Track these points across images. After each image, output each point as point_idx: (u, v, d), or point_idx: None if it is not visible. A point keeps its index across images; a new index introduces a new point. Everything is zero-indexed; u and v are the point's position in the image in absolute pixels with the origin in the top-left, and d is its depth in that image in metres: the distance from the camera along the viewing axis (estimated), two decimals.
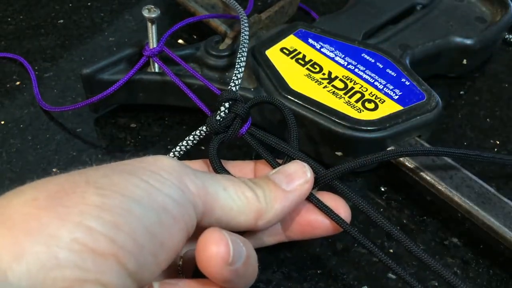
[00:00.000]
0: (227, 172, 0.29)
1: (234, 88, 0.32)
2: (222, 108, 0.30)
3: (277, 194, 0.27)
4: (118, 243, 0.20)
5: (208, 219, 0.24)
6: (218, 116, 0.31)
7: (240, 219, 0.25)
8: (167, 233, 0.22)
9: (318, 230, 0.29)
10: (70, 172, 0.22)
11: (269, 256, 0.31)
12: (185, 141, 0.32)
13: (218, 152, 0.30)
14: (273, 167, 0.30)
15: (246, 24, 0.36)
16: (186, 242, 0.24)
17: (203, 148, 0.37)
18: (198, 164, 0.31)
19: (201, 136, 0.32)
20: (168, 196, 0.22)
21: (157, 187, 0.22)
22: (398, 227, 0.28)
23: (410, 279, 0.26)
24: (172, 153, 0.32)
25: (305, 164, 0.28)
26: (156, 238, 0.21)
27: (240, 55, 0.34)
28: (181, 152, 0.32)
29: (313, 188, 0.28)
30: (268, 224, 0.26)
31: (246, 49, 0.35)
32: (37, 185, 0.21)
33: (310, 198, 0.28)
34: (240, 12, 0.38)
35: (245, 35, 0.36)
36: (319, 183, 0.29)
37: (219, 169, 0.29)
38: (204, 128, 0.31)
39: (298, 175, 0.28)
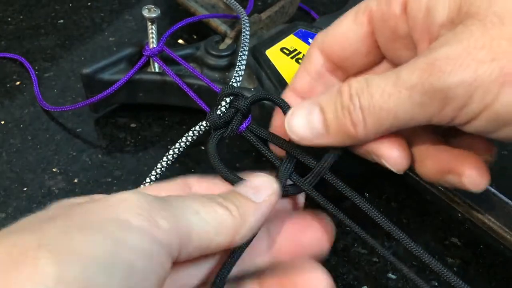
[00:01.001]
0: (226, 169, 0.29)
1: (235, 84, 0.32)
2: (223, 103, 0.30)
3: (248, 207, 0.25)
4: None
5: (186, 249, 0.22)
6: (218, 110, 0.30)
7: (219, 240, 0.24)
8: None
9: (311, 250, 0.28)
10: (21, 227, 0.19)
11: None
12: (184, 137, 0.32)
13: (217, 148, 0.30)
14: (275, 164, 0.30)
15: (247, 22, 0.36)
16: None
17: (203, 148, 0.37)
18: (174, 186, 0.28)
19: (200, 132, 0.31)
20: (134, 252, 0.19)
21: (122, 240, 0.19)
22: (397, 227, 0.28)
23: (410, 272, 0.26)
24: (172, 150, 0.32)
25: (270, 176, 0.28)
26: None
27: (242, 53, 0.34)
28: (180, 149, 0.32)
29: (313, 182, 0.28)
30: (244, 239, 0.25)
31: (248, 47, 0.35)
32: None
33: (325, 206, 0.28)
34: (240, 11, 0.38)
35: (246, 33, 0.36)
36: (317, 179, 0.29)
37: (218, 166, 0.29)
38: (204, 123, 0.31)
39: (265, 187, 0.27)
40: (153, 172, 0.31)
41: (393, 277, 0.31)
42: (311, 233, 0.28)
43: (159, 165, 0.31)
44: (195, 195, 0.25)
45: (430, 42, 0.24)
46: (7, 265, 0.17)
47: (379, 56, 0.29)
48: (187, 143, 0.32)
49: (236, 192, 0.26)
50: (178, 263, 0.23)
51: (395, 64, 0.28)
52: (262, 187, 0.27)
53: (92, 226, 0.19)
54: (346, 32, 0.28)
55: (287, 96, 0.30)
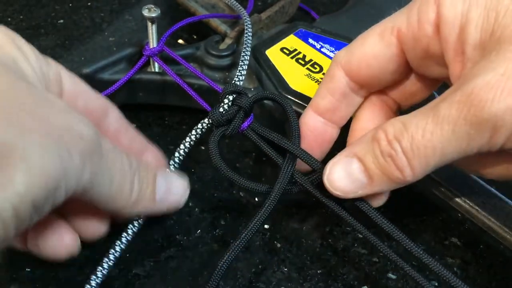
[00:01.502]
0: (226, 167, 0.29)
1: (238, 83, 0.32)
2: (226, 101, 0.30)
3: (146, 198, 0.27)
4: None
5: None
6: (221, 108, 0.30)
7: (104, 205, 0.25)
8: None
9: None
10: None
11: (269, 256, 0.31)
12: (188, 137, 0.31)
13: (219, 145, 0.30)
14: (277, 163, 0.30)
15: (248, 22, 0.37)
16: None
17: (203, 148, 0.37)
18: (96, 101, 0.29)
19: (203, 130, 0.31)
20: None
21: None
22: (397, 228, 0.28)
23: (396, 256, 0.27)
24: (177, 152, 0.31)
25: (187, 187, 0.29)
26: None
27: (244, 53, 0.34)
28: (185, 149, 0.31)
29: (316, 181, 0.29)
30: (124, 217, 0.27)
31: (250, 46, 0.35)
32: None
33: (328, 204, 0.29)
34: (241, 11, 0.38)
35: (248, 32, 0.36)
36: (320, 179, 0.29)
37: (219, 163, 0.29)
38: (206, 120, 0.31)
39: (176, 192, 0.29)
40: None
41: (393, 277, 0.31)
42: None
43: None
44: (126, 161, 0.25)
45: (462, 63, 0.24)
46: None
47: (406, 72, 0.29)
48: (191, 142, 0.31)
49: (155, 177, 0.27)
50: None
51: (426, 77, 0.29)
52: (174, 191, 0.29)
53: None
54: (373, 52, 0.28)
55: (309, 115, 0.30)
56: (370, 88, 0.30)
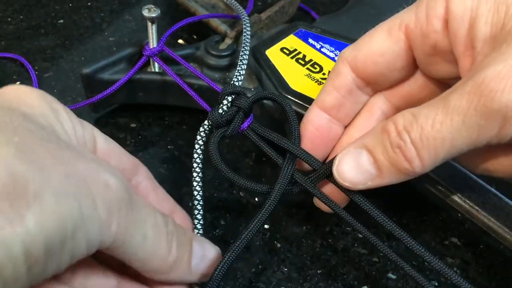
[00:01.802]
0: (226, 168, 0.29)
1: (237, 83, 0.32)
2: (225, 102, 0.30)
3: (183, 265, 0.25)
4: None
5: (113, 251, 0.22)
6: (220, 109, 0.30)
7: (140, 265, 0.23)
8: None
9: None
10: None
11: (269, 256, 0.31)
12: (196, 145, 0.30)
13: (219, 147, 0.30)
14: (277, 163, 0.30)
15: (247, 22, 0.37)
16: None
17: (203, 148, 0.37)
18: (125, 160, 0.28)
19: (206, 132, 0.31)
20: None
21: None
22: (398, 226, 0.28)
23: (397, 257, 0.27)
24: (194, 163, 0.30)
25: (219, 252, 0.27)
26: None
27: (243, 53, 0.34)
28: (200, 156, 0.30)
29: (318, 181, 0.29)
30: (159, 280, 0.25)
31: (249, 46, 0.35)
32: None
33: (329, 204, 0.28)
34: (241, 11, 0.38)
35: (247, 32, 0.36)
36: (320, 179, 0.29)
37: (219, 165, 0.29)
38: (206, 122, 0.31)
39: (205, 267, 0.26)
40: (195, 193, 0.30)
41: (393, 277, 0.31)
42: None
43: (194, 183, 0.30)
44: (158, 216, 0.24)
45: (472, 57, 0.24)
46: None
47: (413, 70, 0.28)
48: (202, 147, 0.31)
49: (191, 242, 0.26)
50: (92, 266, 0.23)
51: (432, 76, 0.28)
52: (208, 262, 0.26)
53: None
54: (380, 48, 0.27)
55: (314, 112, 0.30)
56: (376, 86, 0.29)
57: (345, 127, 0.31)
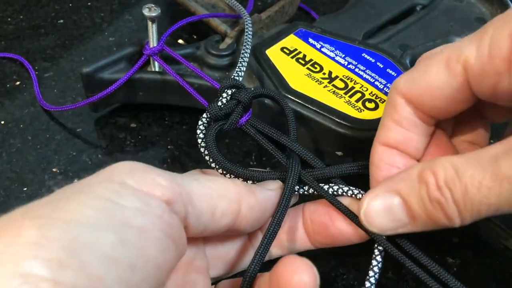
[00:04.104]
0: (224, 159, 0.29)
1: (237, 78, 0.32)
2: (224, 95, 0.30)
3: (257, 187, 0.26)
4: (65, 284, 0.16)
5: (193, 214, 0.22)
6: (219, 102, 0.30)
7: (223, 205, 0.24)
8: (137, 251, 0.18)
9: (340, 239, 0.28)
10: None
11: None
12: (199, 139, 0.30)
13: (216, 140, 0.29)
14: (278, 159, 0.29)
15: (249, 20, 0.37)
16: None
17: None
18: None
19: (205, 125, 0.30)
20: (128, 208, 0.19)
21: (115, 200, 0.19)
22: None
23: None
24: (207, 157, 0.29)
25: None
26: (122, 261, 0.18)
27: (244, 50, 0.34)
28: (205, 151, 0.30)
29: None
30: (252, 213, 0.25)
31: (250, 43, 0.35)
32: None
33: (335, 203, 0.28)
34: (241, 10, 0.38)
35: (249, 31, 0.36)
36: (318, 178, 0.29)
37: (216, 157, 0.28)
38: (204, 115, 0.30)
39: (272, 182, 0.28)
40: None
41: (393, 277, 0.31)
42: (337, 222, 0.28)
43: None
44: (201, 170, 0.26)
45: None
46: None
47: (476, 101, 0.25)
48: (201, 143, 0.31)
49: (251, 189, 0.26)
50: (195, 240, 0.24)
51: (503, 104, 0.25)
52: (270, 182, 0.28)
53: (82, 190, 0.19)
54: (438, 82, 0.25)
55: (379, 151, 0.27)
56: (437, 117, 0.27)
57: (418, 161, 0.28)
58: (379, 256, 0.27)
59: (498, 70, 0.22)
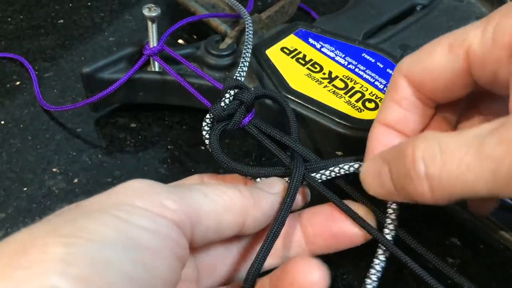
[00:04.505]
0: (229, 159, 0.29)
1: (239, 78, 0.32)
2: (227, 95, 0.30)
3: (262, 194, 0.26)
4: None
5: (199, 232, 0.23)
6: (222, 102, 0.30)
7: (229, 218, 0.24)
8: (149, 271, 0.19)
9: (343, 241, 0.28)
10: (34, 224, 0.20)
11: None
12: (206, 140, 0.30)
13: (219, 140, 0.30)
14: (280, 158, 0.30)
15: (249, 20, 0.37)
16: None
17: (203, 148, 0.37)
18: (192, 180, 0.30)
19: (209, 125, 0.30)
20: (141, 229, 0.20)
21: (128, 220, 0.20)
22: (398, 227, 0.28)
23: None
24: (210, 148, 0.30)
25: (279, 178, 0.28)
26: (137, 280, 0.19)
27: (246, 50, 0.34)
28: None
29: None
30: (256, 223, 0.25)
31: (251, 44, 0.35)
32: None
33: (338, 204, 0.28)
34: (241, 10, 0.38)
35: (249, 30, 0.36)
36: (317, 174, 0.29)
37: (220, 157, 0.29)
38: (207, 115, 0.31)
39: (277, 182, 0.28)
40: None
41: (394, 277, 0.31)
42: (341, 223, 0.28)
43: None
44: (207, 183, 0.26)
45: None
46: (18, 253, 0.17)
47: (474, 88, 0.25)
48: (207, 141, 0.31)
49: (251, 185, 0.27)
50: (198, 248, 0.24)
51: (501, 93, 0.25)
52: (275, 183, 0.28)
53: (99, 209, 0.20)
54: (440, 64, 0.25)
55: (378, 131, 0.28)
56: (437, 100, 0.27)
57: None
58: (382, 256, 0.27)
59: (499, 57, 0.22)
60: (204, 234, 0.23)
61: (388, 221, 0.27)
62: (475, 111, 0.28)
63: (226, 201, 0.24)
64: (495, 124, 0.21)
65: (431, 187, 0.22)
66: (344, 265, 0.31)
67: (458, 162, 0.21)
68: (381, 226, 0.28)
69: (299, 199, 0.29)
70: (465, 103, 0.28)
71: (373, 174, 0.26)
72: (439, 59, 0.25)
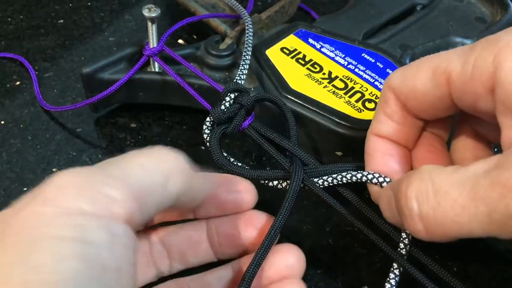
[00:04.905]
0: (228, 162, 0.29)
1: (240, 82, 0.32)
2: (227, 99, 0.30)
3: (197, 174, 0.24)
4: None
5: (145, 208, 0.20)
6: (223, 106, 0.30)
7: (172, 189, 0.22)
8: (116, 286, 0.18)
9: (241, 243, 0.28)
10: None
11: None
12: (208, 143, 0.30)
13: (220, 143, 0.30)
14: (280, 162, 0.30)
15: (249, 20, 0.37)
16: None
17: (203, 148, 0.37)
18: None
19: (209, 128, 0.31)
20: (101, 246, 0.17)
21: (85, 238, 0.17)
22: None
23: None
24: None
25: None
26: None
27: (246, 52, 0.34)
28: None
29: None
30: (202, 192, 0.25)
31: (251, 45, 0.35)
32: None
33: (338, 209, 0.28)
34: (241, 10, 0.38)
35: (249, 31, 0.36)
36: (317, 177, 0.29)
37: (220, 161, 0.29)
38: (208, 118, 0.31)
39: (240, 182, 0.28)
40: None
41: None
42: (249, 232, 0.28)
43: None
44: (138, 150, 0.23)
45: None
46: None
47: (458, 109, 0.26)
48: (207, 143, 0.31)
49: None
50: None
51: (480, 116, 0.25)
52: (238, 183, 0.28)
53: (42, 237, 0.17)
54: (422, 87, 0.25)
55: (372, 141, 0.28)
56: (423, 118, 0.28)
57: (411, 151, 0.29)
58: (397, 270, 0.27)
59: (477, 92, 0.23)
60: (149, 212, 0.21)
61: (401, 245, 0.27)
62: (466, 125, 0.28)
63: (166, 168, 0.22)
64: (489, 164, 0.20)
65: (425, 226, 0.22)
66: (344, 265, 0.31)
67: (452, 203, 0.20)
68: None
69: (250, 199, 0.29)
70: (456, 119, 0.29)
71: (385, 202, 0.26)
72: (423, 82, 0.25)
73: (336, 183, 0.29)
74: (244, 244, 0.28)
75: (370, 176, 0.28)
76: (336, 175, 0.29)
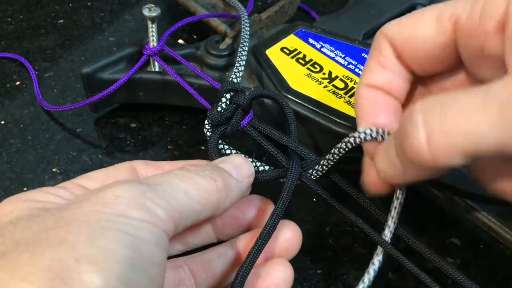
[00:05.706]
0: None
1: (235, 80, 0.32)
2: (223, 100, 0.30)
3: (232, 183, 0.26)
4: None
5: (177, 229, 0.23)
6: (219, 107, 0.30)
7: (204, 214, 0.25)
8: (154, 284, 0.20)
9: (243, 223, 0.30)
10: (32, 239, 0.19)
11: None
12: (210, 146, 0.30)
13: (218, 146, 0.30)
14: (278, 159, 0.30)
15: (246, 18, 0.37)
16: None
17: (203, 148, 0.37)
18: (122, 173, 0.28)
19: (209, 130, 0.31)
20: (149, 243, 0.20)
21: (137, 235, 0.20)
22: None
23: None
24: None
25: (247, 159, 0.29)
26: None
27: (241, 49, 0.34)
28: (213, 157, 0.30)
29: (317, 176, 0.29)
30: (222, 213, 0.26)
31: (247, 42, 0.35)
32: None
33: (333, 203, 0.29)
34: (239, 8, 0.38)
35: (246, 29, 0.36)
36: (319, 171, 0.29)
37: None
38: (206, 121, 0.31)
39: (245, 168, 0.28)
40: None
41: (394, 277, 0.31)
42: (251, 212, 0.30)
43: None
44: (182, 171, 0.25)
45: None
46: (54, 282, 0.17)
47: (456, 64, 0.25)
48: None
49: (220, 166, 0.27)
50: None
51: (477, 78, 0.25)
52: (243, 168, 0.28)
53: (107, 227, 0.20)
54: (424, 34, 0.24)
55: (364, 92, 0.27)
56: (415, 70, 0.26)
57: (402, 105, 0.27)
58: (380, 255, 0.27)
59: (487, 30, 0.22)
60: (179, 230, 0.24)
61: (389, 221, 0.27)
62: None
63: (205, 199, 0.24)
64: (495, 81, 0.20)
65: (429, 137, 0.20)
66: (344, 265, 0.31)
67: (461, 109, 0.19)
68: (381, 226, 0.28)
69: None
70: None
71: (382, 150, 0.25)
72: (425, 29, 0.24)
73: (333, 159, 0.28)
74: (245, 224, 0.29)
75: (362, 135, 0.26)
76: (330, 155, 0.28)
